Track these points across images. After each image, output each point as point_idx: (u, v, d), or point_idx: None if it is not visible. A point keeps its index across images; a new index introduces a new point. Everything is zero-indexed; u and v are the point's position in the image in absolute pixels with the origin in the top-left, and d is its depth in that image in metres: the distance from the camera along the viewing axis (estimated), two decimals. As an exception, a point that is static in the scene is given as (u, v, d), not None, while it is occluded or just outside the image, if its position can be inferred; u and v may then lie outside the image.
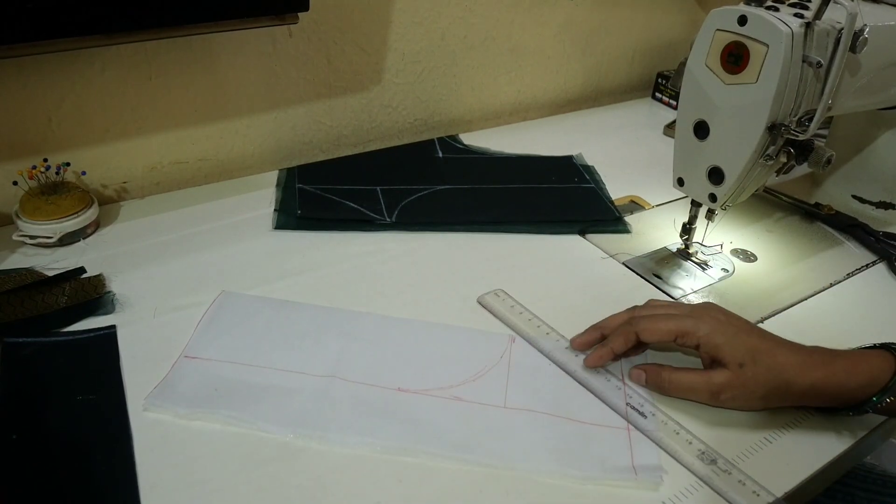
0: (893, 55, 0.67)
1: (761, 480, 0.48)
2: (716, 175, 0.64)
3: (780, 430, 0.52)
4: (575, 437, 0.51)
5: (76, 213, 0.68)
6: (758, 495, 0.46)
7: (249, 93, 0.83)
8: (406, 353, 0.57)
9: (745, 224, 0.81)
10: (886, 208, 0.82)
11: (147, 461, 0.46)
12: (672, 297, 0.67)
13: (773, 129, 0.59)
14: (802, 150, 0.64)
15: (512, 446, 0.49)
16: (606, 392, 0.54)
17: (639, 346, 0.56)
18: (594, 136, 1.03)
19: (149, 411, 0.50)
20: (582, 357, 0.57)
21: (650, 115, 1.14)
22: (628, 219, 0.80)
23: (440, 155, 0.93)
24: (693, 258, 0.73)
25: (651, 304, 0.59)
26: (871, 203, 0.83)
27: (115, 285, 0.63)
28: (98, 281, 0.62)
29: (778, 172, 0.66)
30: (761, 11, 0.57)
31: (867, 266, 0.74)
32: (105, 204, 0.76)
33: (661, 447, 0.50)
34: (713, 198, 0.65)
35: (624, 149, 0.99)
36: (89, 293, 0.61)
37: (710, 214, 0.70)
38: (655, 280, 0.70)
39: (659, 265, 0.72)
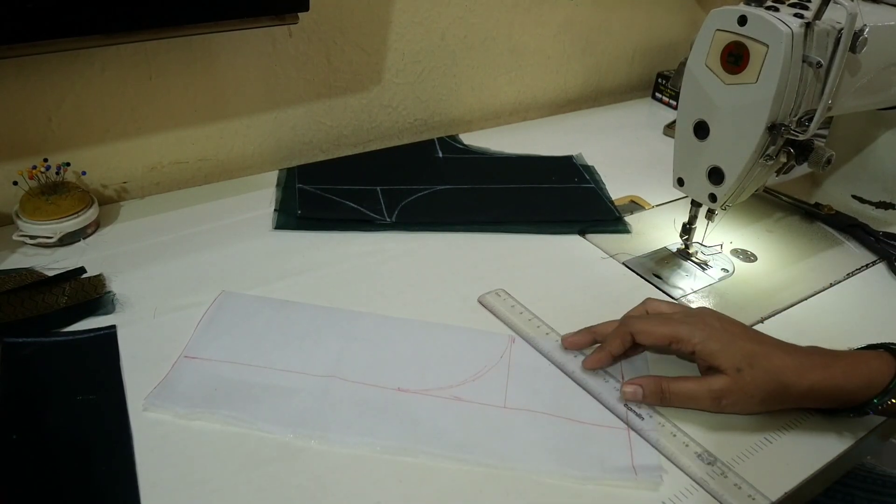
0: (893, 55, 0.67)
1: (761, 481, 0.48)
2: (716, 175, 0.64)
3: (780, 430, 0.52)
4: (575, 437, 0.51)
5: (76, 213, 0.68)
6: (753, 499, 0.46)
7: (249, 93, 0.83)
8: (406, 353, 0.57)
9: (745, 224, 0.81)
10: (886, 208, 0.82)
11: (147, 461, 0.46)
12: (672, 297, 0.67)
13: (773, 129, 0.59)
14: (802, 150, 0.64)
15: (512, 446, 0.49)
16: (605, 393, 0.54)
17: (636, 347, 0.56)
18: (594, 136, 1.03)
19: (149, 411, 0.50)
20: (581, 358, 0.57)
21: (650, 115, 1.14)
22: (628, 219, 0.80)
23: (440, 155, 0.93)
24: (693, 258, 0.73)
25: (648, 302, 0.59)
26: (871, 203, 0.83)
27: (115, 285, 0.63)
28: (98, 281, 0.62)
29: (778, 172, 0.66)
30: (761, 11, 0.57)
31: (867, 266, 0.74)
32: (105, 204, 0.76)
33: (658, 450, 0.50)
34: (713, 198, 0.65)
35: (624, 149, 0.99)
36: (89, 293, 0.61)
37: (710, 214, 0.70)
38: (655, 280, 0.70)
39: (659, 265, 0.72)
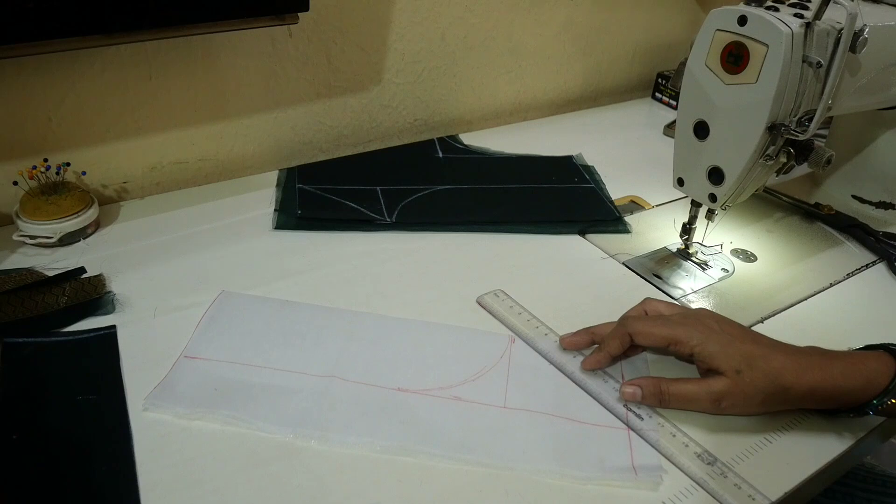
0: (893, 55, 0.67)
1: (761, 481, 0.48)
2: (716, 175, 0.64)
3: (780, 430, 0.52)
4: (575, 437, 0.51)
5: (76, 213, 0.68)
6: (753, 499, 0.46)
7: (249, 93, 0.83)
8: (406, 353, 0.57)
9: (745, 224, 0.81)
10: (886, 208, 0.82)
11: (147, 461, 0.46)
12: (672, 298, 0.67)
13: (773, 129, 0.59)
14: (802, 150, 0.64)
15: (511, 446, 0.49)
16: (604, 394, 0.54)
17: (635, 347, 0.56)
18: (594, 136, 1.03)
19: (149, 411, 0.50)
20: (580, 358, 0.57)
21: (650, 115, 1.14)
22: (628, 219, 0.80)
23: (440, 155, 0.93)
24: (693, 258, 0.73)
25: (646, 302, 0.59)
26: (871, 203, 0.83)
27: (115, 285, 0.63)
28: (98, 281, 0.62)
29: (778, 172, 0.66)
30: (761, 11, 0.57)
31: (867, 266, 0.74)
32: (105, 204, 0.76)
33: (658, 450, 0.50)
34: (713, 198, 0.65)
35: (624, 149, 0.99)
36: (89, 293, 0.61)
37: (710, 214, 0.70)
38: (655, 280, 0.70)
39: (659, 265, 0.72)
